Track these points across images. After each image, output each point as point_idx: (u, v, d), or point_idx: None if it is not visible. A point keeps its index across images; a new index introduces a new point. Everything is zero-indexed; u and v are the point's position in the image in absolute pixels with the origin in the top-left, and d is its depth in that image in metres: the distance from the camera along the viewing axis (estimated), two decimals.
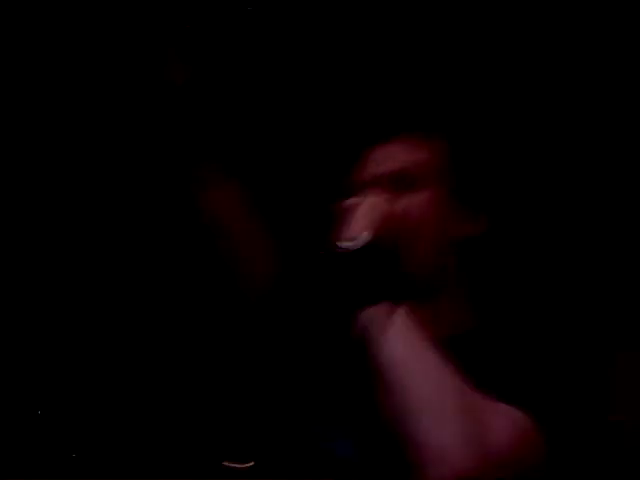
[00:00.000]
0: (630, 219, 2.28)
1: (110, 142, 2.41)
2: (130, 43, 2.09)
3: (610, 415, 2.13)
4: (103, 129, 2.41)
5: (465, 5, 2.33)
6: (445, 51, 2.26)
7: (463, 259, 1.54)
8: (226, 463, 2.29)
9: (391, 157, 1.53)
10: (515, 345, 1.49)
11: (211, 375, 2.52)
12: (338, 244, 1.36)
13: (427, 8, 2.35)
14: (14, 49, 2.41)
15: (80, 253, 2.55)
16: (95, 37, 2.31)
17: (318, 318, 1.50)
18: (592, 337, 2.17)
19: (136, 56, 2.04)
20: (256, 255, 1.69)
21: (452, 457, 1.27)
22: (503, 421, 1.33)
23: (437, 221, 1.50)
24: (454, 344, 1.40)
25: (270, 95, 2.34)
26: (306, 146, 2.29)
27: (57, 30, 2.35)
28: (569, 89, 2.35)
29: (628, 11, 2.49)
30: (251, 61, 2.29)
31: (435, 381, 1.31)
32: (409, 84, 2.20)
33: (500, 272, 1.69)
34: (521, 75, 2.32)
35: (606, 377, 2.17)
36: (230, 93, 2.13)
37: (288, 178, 2.22)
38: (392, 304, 1.34)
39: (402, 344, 1.32)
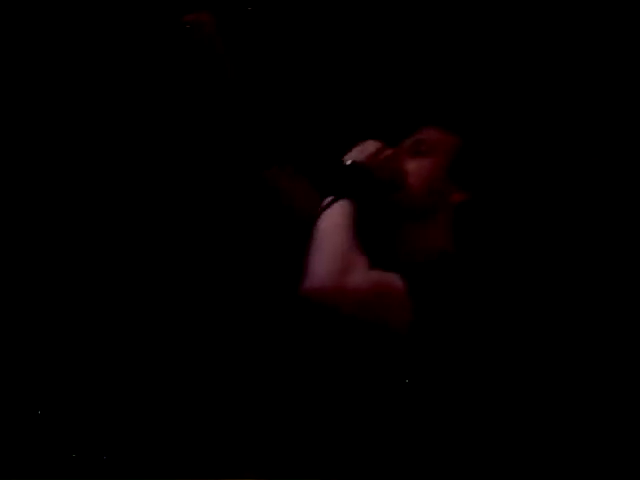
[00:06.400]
0: None
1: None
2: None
3: None
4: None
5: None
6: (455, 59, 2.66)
7: (450, 206, 2.10)
8: None
9: (422, 133, 2.15)
10: (482, 269, 2.07)
11: (211, 373, 2.53)
12: (343, 159, 2.00)
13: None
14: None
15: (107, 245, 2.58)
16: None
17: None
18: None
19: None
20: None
21: (316, 277, 1.86)
22: (374, 277, 1.88)
23: (430, 178, 2.08)
24: (437, 262, 1.98)
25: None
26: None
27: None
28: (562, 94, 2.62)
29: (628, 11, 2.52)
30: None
31: (332, 234, 1.91)
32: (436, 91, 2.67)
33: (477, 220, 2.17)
34: (518, 81, 2.64)
35: None
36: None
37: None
38: (349, 203, 1.96)
39: (329, 216, 1.94)
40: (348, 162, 1.98)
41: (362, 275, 1.87)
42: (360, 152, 2.00)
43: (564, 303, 2.56)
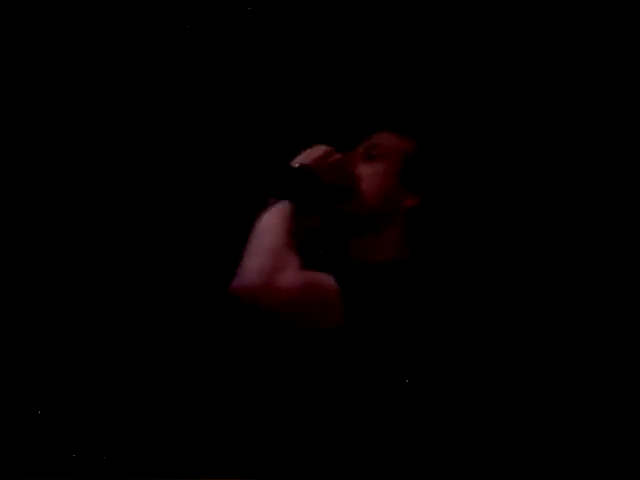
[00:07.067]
0: None
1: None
2: None
3: None
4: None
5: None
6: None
7: (402, 211, 2.10)
8: None
9: (375, 137, 2.15)
10: (436, 274, 2.08)
11: (210, 373, 2.53)
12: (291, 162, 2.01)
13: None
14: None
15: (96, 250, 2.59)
16: None
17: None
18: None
19: None
20: None
21: (246, 275, 1.86)
22: (306, 276, 1.88)
23: (383, 183, 2.07)
24: (392, 266, 2.00)
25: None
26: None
27: None
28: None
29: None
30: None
31: (267, 234, 1.91)
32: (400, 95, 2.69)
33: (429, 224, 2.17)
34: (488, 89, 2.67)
35: None
36: None
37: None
38: (290, 203, 1.95)
39: (267, 216, 1.93)
40: (294, 165, 1.98)
41: (294, 274, 1.86)
42: (307, 155, 2.01)
43: (512, 307, 2.56)
